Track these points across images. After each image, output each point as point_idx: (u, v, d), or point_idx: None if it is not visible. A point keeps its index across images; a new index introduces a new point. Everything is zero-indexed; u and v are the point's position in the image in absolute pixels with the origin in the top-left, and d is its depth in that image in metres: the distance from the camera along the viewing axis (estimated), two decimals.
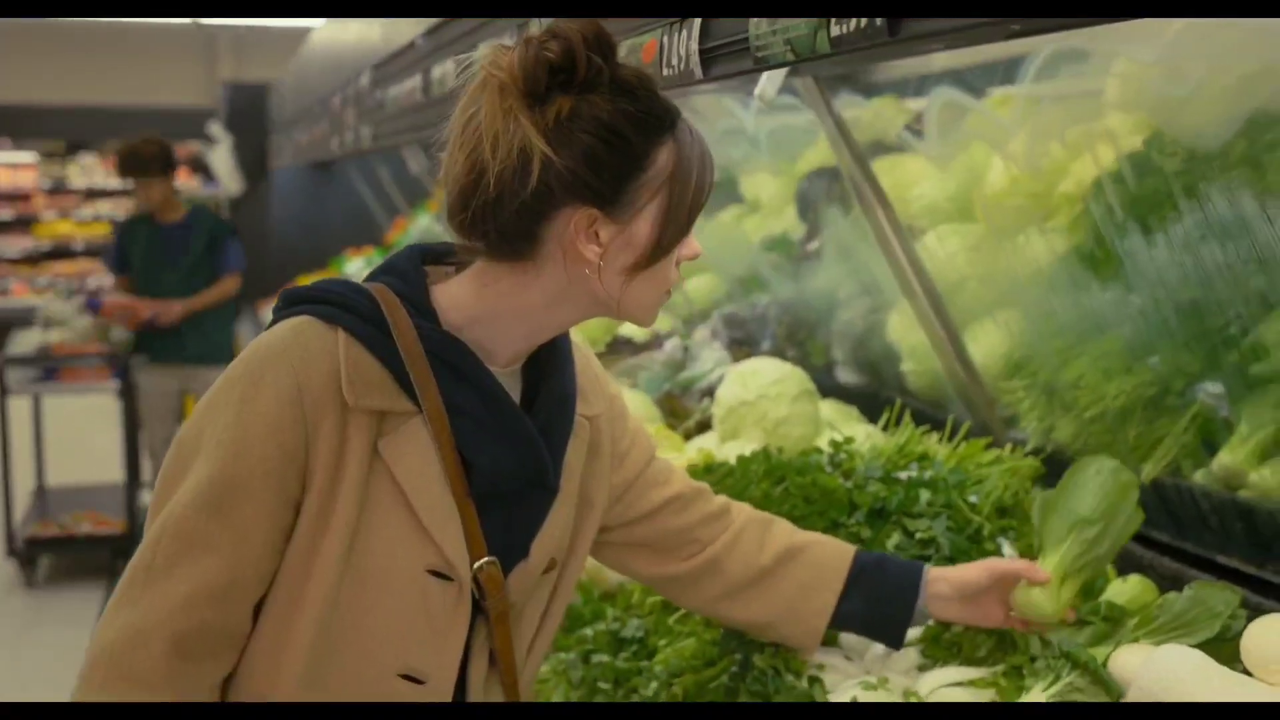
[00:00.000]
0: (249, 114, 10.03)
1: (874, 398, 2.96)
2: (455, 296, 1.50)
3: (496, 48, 1.42)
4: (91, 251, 14.42)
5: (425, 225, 7.11)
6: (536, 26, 2.07)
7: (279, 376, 1.41)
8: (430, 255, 1.56)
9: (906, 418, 2.61)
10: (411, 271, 1.51)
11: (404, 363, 1.44)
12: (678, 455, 2.64)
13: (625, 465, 1.74)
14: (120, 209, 14.37)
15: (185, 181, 14.35)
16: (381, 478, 1.45)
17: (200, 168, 13.78)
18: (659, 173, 1.43)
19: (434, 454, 1.47)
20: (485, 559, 1.52)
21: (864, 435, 2.62)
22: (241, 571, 1.42)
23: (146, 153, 6.12)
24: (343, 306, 1.45)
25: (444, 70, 3.62)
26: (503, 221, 1.42)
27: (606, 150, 1.39)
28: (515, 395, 1.55)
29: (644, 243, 1.44)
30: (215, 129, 10.27)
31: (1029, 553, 2.22)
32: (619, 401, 1.74)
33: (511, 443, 1.50)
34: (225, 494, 1.40)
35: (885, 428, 2.71)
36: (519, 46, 1.40)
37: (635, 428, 1.78)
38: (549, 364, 1.57)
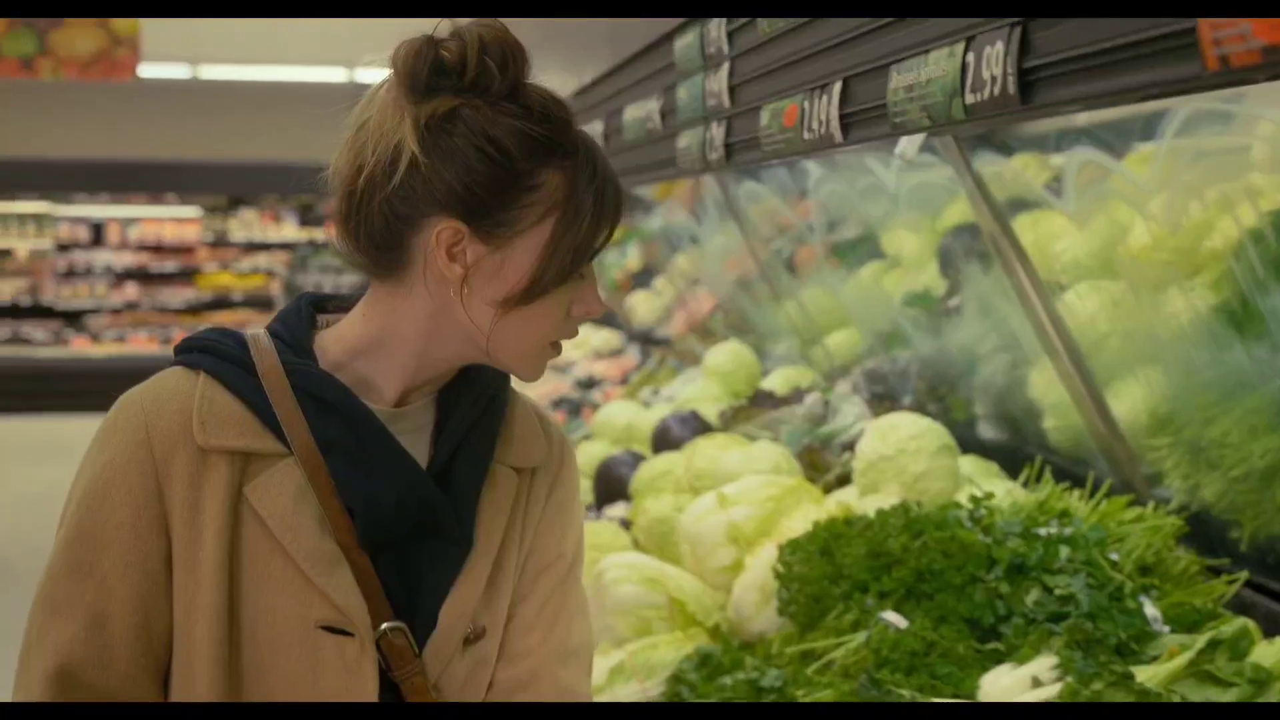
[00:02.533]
0: None
1: (1015, 454, 2.96)
2: (339, 333, 1.41)
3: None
4: (249, 302, 14.94)
5: None
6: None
7: (129, 422, 1.34)
8: (325, 303, 1.46)
9: (1047, 474, 2.61)
10: (294, 316, 1.42)
11: (268, 400, 1.34)
12: (817, 508, 2.67)
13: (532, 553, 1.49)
14: (277, 262, 14.87)
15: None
16: (251, 524, 1.33)
17: None
18: (545, 199, 1.31)
19: (309, 497, 1.34)
20: (389, 624, 1.36)
21: (1004, 491, 2.62)
22: (114, 629, 1.32)
23: None
24: (205, 350, 1.38)
25: (591, 130, 3.72)
26: (371, 224, 1.33)
27: (480, 160, 1.29)
28: (421, 436, 1.41)
29: (518, 274, 1.32)
30: None
31: (1172, 612, 2.21)
32: (568, 469, 1.53)
33: (390, 481, 1.36)
34: (84, 551, 1.32)
35: (1026, 484, 2.71)
36: (417, 38, 1.32)
37: (574, 534, 1.52)
38: (454, 403, 1.42)
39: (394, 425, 1.38)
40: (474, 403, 1.43)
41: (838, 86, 1.75)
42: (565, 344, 1.42)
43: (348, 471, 1.35)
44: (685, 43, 2.67)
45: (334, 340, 1.40)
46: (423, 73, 1.30)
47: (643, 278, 6.51)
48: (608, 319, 6.25)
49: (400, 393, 1.40)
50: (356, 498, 1.35)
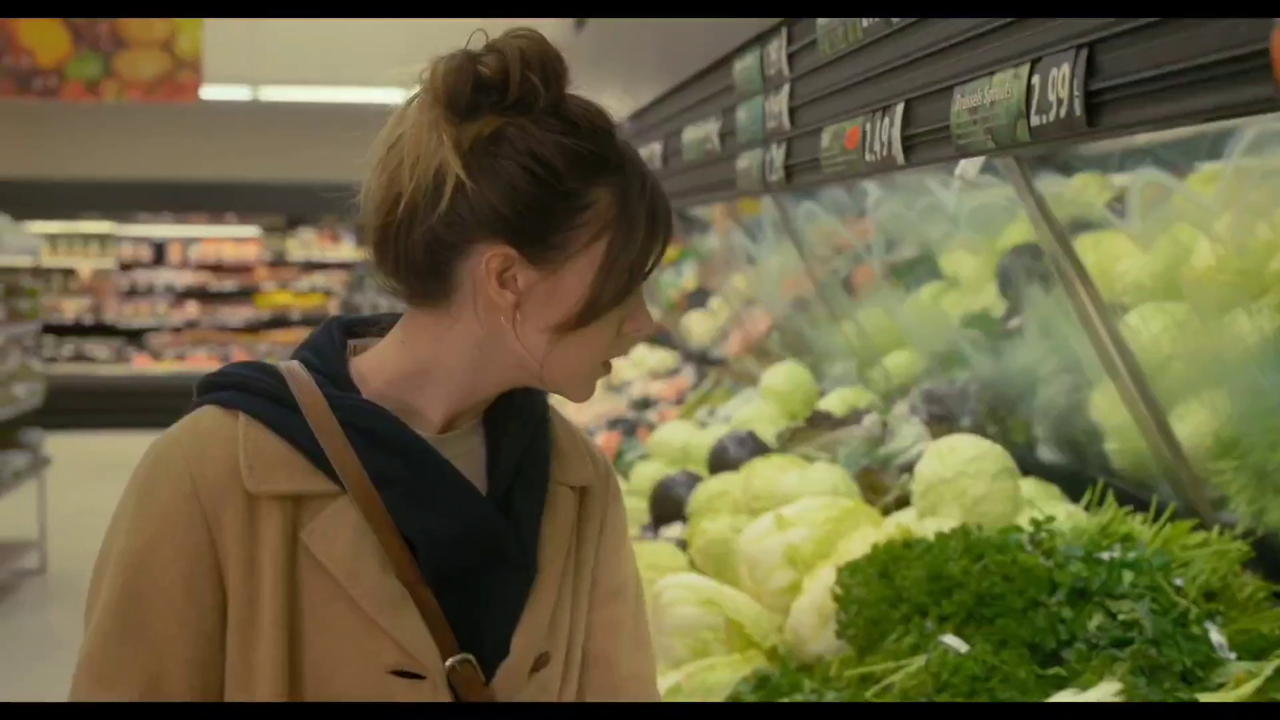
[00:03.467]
0: None
1: (1076, 476, 2.93)
2: (377, 360, 1.34)
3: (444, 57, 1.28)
4: (307, 321, 15.07)
5: None
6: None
7: (171, 473, 1.25)
8: (355, 326, 1.40)
9: (1109, 498, 2.58)
10: (327, 344, 1.35)
11: (315, 438, 1.27)
12: (875, 531, 2.65)
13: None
14: (335, 281, 15.01)
15: None
16: (311, 571, 1.26)
17: None
18: (595, 218, 1.25)
19: (368, 535, 1.27)
20: (457, 657, 1.30)
21: (1065, 514, 2.60)
22: (169, 696, 1.25)
23: None
24: (240, 388, 1.29)
25: (650, 151, 3.74)
26: (412, 253, 1.27)
27: (530, 181, 1.23)
28: (471, 462, 1.35)
29: (573, 298, 1.26)
30: None
31: (1238, 639, 2.17)
32: (615, 484, 1.49)
33: (451, 511, 1.30)
34: (132, 613, 1.24)
35: (1087, 507, 2.68)
36: (456, 55, 1.27)
37: (630, 557, 1.50)
38: (505, 424, 1.37)
39: (450, 450, 1.32)
40: (525, 425, 1.38)
41: (900, 108, 1.75)
42: (620, 363, 1.38)
43: (406, 505, 1.28)
44: (745, 65, 2.68)
45: (372, 368, 1.33)
46: (465, 91, 1.24)
47: (698, 297, 6.51)
48: (663, 339, 6.25)
49: (447, 419, 1.34)
50: (418, 531, 1.28)
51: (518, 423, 1.37)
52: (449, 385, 1.32)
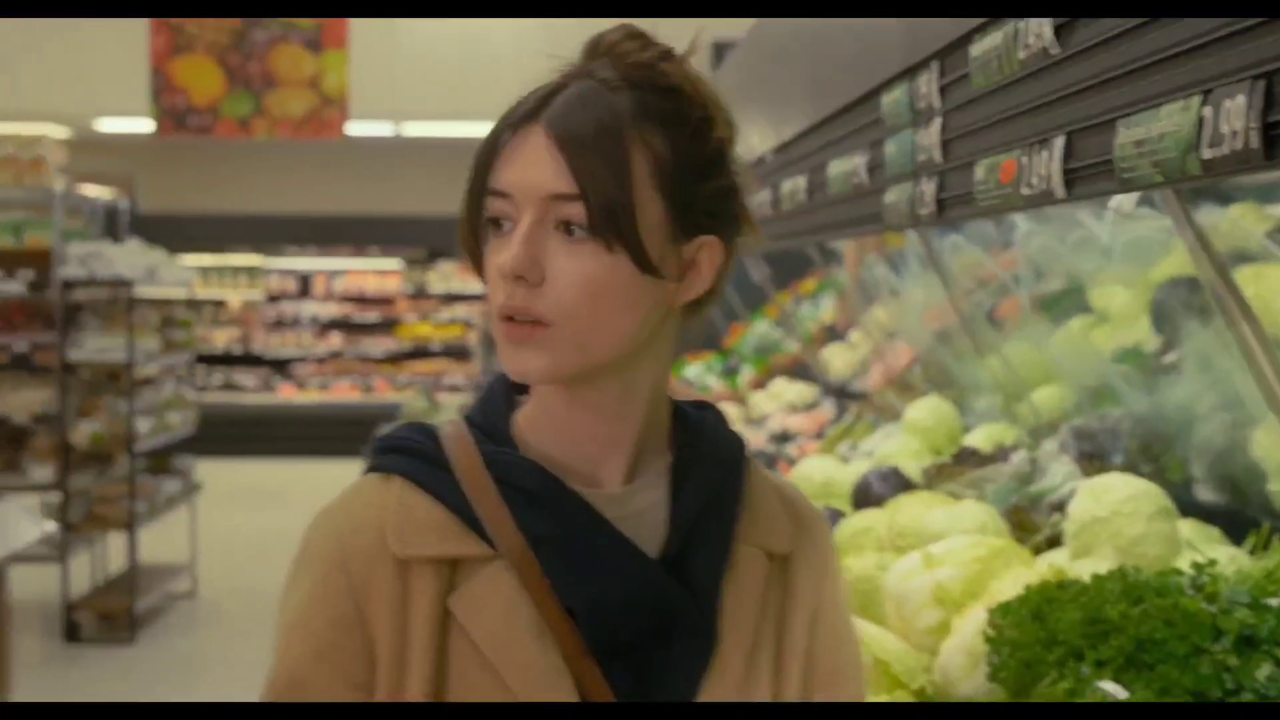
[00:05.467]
0: None
1: (1237, 518, 2.83)
2: (532, 412, 1.25)
3: None
4: (447, 352, 15.32)
5: (763, 331, 7.24)
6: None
7: (325, 544, 1.20)
8: None
9: (1275, 541, 2.49)
10: (491, 399, 1.27)
11: (468, 499, 1.19)
12: (1027, 571, 2.60)
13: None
14: (474, 313, 15.24)
15: None
16: (460, 642, 1.17)
17: None
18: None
19: (523, 604, 1.17)
20: None
21: (1227, 558, 2.51)
22: None
23: None
24: (397, 451, 1.24)
25: (794, 185, 3.72)
26: None
27: None
28: (650, 517, 1.23)
29: None
30: None
31: None
32: (830, 553, 1.33)
33: (614, 577, 1.18)
34: (286, 693, 1.20)
35: (1251, 551, 2.59)
36: None
37: (846, 625, 1.35)
38: (688, 473, 1.25)
39: (615, 510, 1.21)
40: (708, 475, 1.25)
41: (1060, 141, 1.72)
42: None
43: (565, 570, 1.18)
44: (893, 98, 2.66)
45: (528, 422, 1.25)
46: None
47: (837, 330, 6.46)
48: (802, 372, 6.20)
49: (607, 467, 1.23)
50: (577, 598, 1.18)
51: (700, 471, 1.25)
52: (560, 414, 1.24)
